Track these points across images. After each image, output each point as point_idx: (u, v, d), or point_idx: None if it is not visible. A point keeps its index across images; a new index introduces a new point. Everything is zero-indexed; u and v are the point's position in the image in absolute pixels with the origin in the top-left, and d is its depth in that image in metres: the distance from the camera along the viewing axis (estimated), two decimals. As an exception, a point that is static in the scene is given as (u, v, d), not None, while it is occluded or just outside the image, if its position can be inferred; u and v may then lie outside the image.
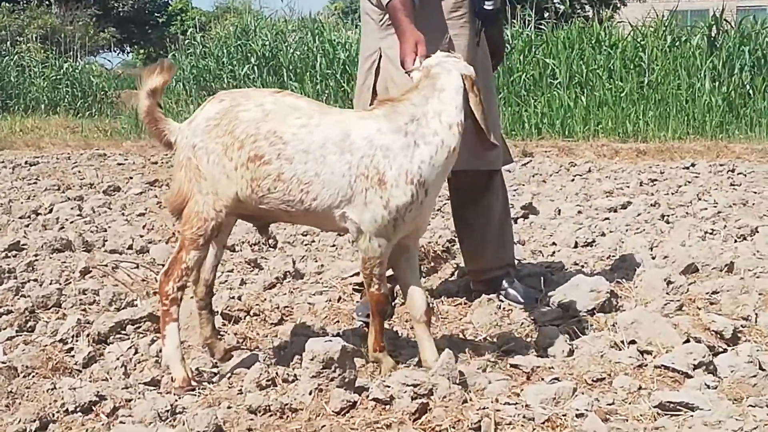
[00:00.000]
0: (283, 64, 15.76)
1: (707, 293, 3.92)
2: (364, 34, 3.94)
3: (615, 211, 6.49)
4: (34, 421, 2.63)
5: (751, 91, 12.78)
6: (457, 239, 4.34)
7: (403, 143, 2.92)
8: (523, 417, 2.61)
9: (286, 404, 2.69)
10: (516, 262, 4.30)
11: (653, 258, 4.75)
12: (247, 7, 27.83)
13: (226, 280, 4.52)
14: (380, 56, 3.76)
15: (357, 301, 4.05)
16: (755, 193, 7.18)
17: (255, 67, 16.12)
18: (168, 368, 3.01)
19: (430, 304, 3.40)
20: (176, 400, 2.77)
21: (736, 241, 5.25)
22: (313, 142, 2.92)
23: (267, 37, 16.73)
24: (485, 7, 3.86)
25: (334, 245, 5.37)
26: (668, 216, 6.16)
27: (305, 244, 5.46)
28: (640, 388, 2.86)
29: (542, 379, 2.99)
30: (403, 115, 2.95)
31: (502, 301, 3.93)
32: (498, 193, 4.04)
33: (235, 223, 3.31)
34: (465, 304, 3.98)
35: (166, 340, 2.99)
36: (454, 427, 2.56)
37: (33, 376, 3.05)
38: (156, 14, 44.15)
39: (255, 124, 2.94)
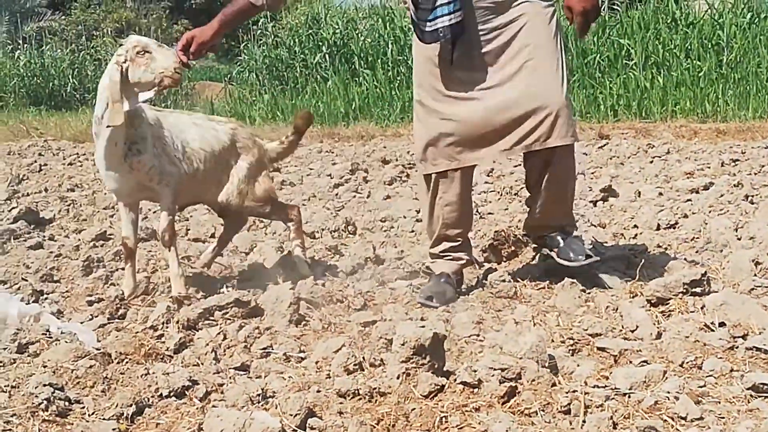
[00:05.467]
0: (355, 51, 15.81)
1: (797, 274, 3.83)
2: None
3: (697, 192, 6.37)
4: (131, 405, 2.68)
5: (834, 67, 12.41)
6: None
7: None
8: (614, 400, 2.59)
9: (375, 388, 2.71)
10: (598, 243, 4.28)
11: (739, 239, 4.66)
12: (317, -5, 27.93)
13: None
14: None
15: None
16: (842, 171, 6.97)
17: (326, 56, 16.19)
18: None
19: None
20: (266, 385, 2.81)
21: (823, 221, 5.11)
22: None
23: (338, 25, 16.78)
24: (426, 29, 3.53)
25: (413, 231, 5.39)
26: (752, 196, 6.02)
27: (384, 230, 5.48)
28: (732, 370, 2.82)
29: (630, 362, 2.96)
30: None
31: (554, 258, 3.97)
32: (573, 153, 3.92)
33: None
34: (548, 287, 3.96)
35: None
36: (543, 410, 2.55)
37: (127, 362, 3.11)
38: (227, 5, 44.51)
39: None
